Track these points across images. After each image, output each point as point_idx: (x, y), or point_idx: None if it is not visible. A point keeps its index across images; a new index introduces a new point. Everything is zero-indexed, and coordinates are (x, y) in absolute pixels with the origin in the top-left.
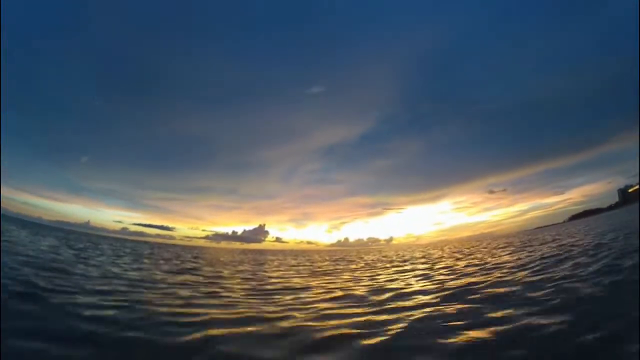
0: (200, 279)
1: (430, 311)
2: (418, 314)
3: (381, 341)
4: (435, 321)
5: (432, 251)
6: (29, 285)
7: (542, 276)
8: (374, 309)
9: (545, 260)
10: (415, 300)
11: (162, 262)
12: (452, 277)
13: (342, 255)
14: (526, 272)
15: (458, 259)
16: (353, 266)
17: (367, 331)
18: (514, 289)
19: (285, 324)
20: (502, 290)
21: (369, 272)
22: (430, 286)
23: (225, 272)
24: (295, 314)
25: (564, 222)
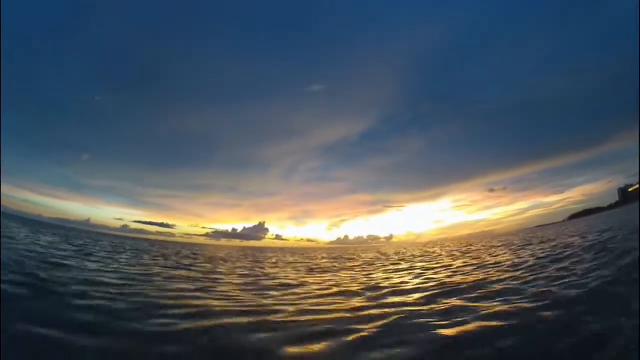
0: (193, 274)
1: (416, 308)
2: (405, 310)
3: (365, 336)
4: (419, 318)
5: (430, 250)
6: (30, 276)
7: (532, 276)
8: (363, 305)
9: (539, 260)
10: (405, 297)
11: (160, 258)
12: (445, 276)
13: (341, 253)
14: (519, 272)
15: (457, 258)
16: (349, 264)
17: (352, 327)
18: (502, 287)
19: (273, 317)
20: (492, 289)
21: (364, 270)
22: (422, 284)
23: (222, 269)
24: (288, 308)
25: (564, 221)
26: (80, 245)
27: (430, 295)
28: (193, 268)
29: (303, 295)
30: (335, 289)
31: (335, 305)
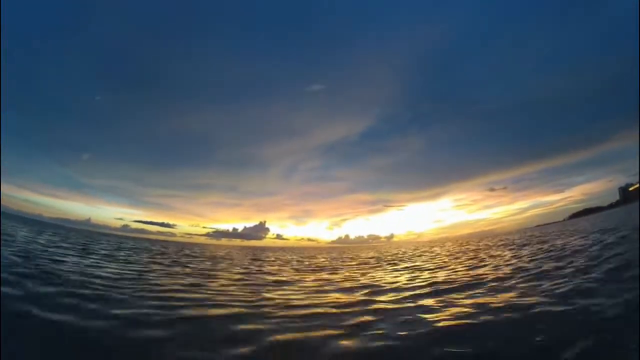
0: (188, 270)
1: (398, 306)
2: (388, 307)
3: (343, 330)
4: (399, 314)
5: (428, 249)
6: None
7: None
8: (350, 301)
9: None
10: (394, 294)
11: (158, 256)
12: (436, 274)
13: (340, 252)
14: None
15: (453, 258)
16: (346, 263)
17: (333, 320)
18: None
19: (260, 310)
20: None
21: (360, 269)
22: (411, 282)
23: (218, 266)
24: (276, 302)
25: (564, 220)
26: (81, 244)
27: (418, 293)
28: (190, 265)
29: (295, 291)
30: (327, 287)
31: (321, 300)
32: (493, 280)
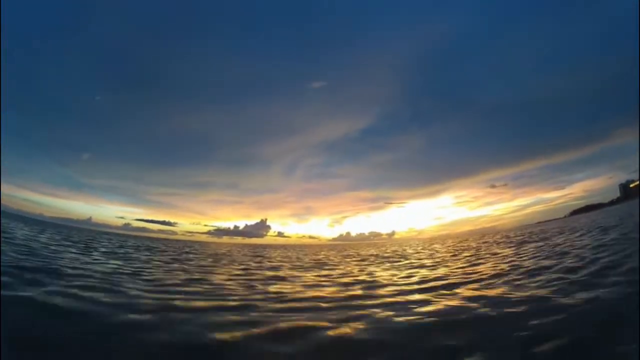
0: (185, 266)
1: (387, 300)
2: (378, 301)
3: (327, 323)
4: (385, 308)
5: (428, 246)
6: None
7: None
8: (338, 296)
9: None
10: (384, 290)
11: (157, 254)
12: (431, 272)
13: (340, 249)
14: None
15: (451, 255)
16: (345, 259)
17: (319, 313)
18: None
19: (252, 302)
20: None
21: (357, 265)
22: (406, 278)
23: (215, 263)
24: (269, 295)
25: (565, 217)
26: (82, 242)
27: (408, 289)
28: (188, 262)
29: (290, 286)
30: (323, 282)
31: (314, 294)
32: (489, 276)
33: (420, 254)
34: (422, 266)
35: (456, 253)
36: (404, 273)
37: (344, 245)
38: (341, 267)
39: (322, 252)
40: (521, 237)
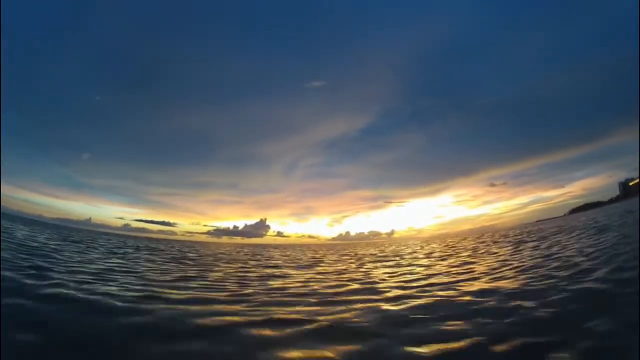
0: (181, 265)
1: (368, 297)
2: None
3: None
4: (369, 304)
5: (426, 246)
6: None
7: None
8: (332, 292)
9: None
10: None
11: (156, 253)
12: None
13: (339, 249)
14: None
15: (447, 254)
16: (342, 258)
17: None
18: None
19: (243, 297)
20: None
21: (352, 264)
22: (394, 277)
23: (212, 262)
24: (259, 290)
25: (564, 215)
26: (80, 242)
27: (401, 286)
28: (184, 261)
29: (282, 284)
30: (316, 279)
31: (304, 290)
32: (478, 273)
33: (417, 253)
34: (414, 264)
35: (449, 252)
36: (396, 270)
37: (344, 245)
38: (337, 266)
39: (321, 252)
40: (519, 237)
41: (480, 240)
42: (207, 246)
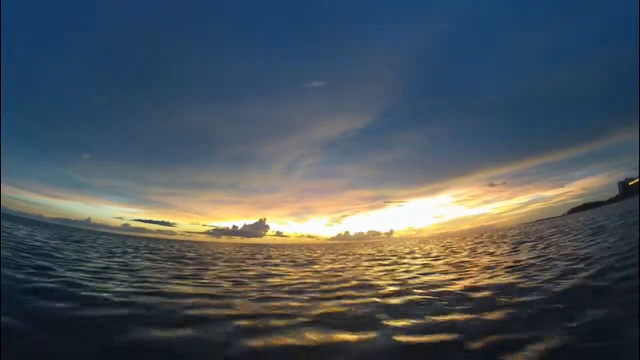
0: (178, 265)
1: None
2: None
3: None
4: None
5: (424, 246)
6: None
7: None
8: (324, 288)
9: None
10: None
11: (155, 252)
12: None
13: (337, 249)
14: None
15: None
16: (339, 258)
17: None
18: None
19: (235, 294)
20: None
21: (347, 264)
22: (386, 276)
23: (210, 262)
24: (252, 289)
25: (564, 215)
26: (79, 242)
27: (386, 282)
28: (181, 261)
29: (275, 282)
30: (308, 278)
31: (295, 288)
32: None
33: (414, 253)
34: (411, 263)
35: (446, 252)
36: (389, 268)
37: (343, 245)
38: (331, 265)
39: (318, 252)
40: (518, 237)
41: (478, 241)
42: (206, 246)
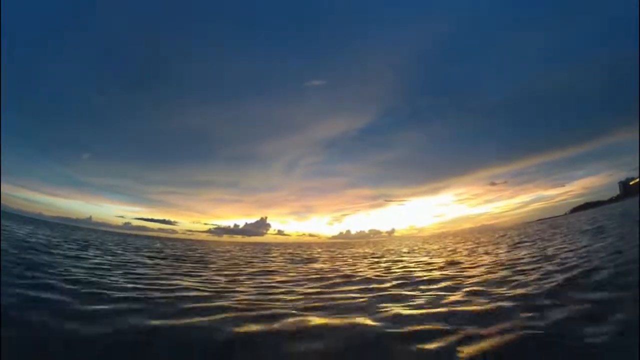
0: (177, 263)
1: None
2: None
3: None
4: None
5: (423, 245)
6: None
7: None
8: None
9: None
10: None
11: (155, 251)
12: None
13: (338, 247)
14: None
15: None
16: (338, 256)
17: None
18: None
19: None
20: None
21: (345, 262)
22: (383, 275)
23: (210, 260)
24: (248, 285)
25: (565, 214)
26: (79, 241)
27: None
28: (180, 258)
29: (273, 280)
30: (305, 276)
31: (292, 286)
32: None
33: (413, 252)
34: (410, 260)
35: (445, 252)
36: (390, 265)
37: (344, 244)
38: (331, 263)
39: (318, 250)
40: (518, 238)
41: (477, 241)
42: (207, 245)
